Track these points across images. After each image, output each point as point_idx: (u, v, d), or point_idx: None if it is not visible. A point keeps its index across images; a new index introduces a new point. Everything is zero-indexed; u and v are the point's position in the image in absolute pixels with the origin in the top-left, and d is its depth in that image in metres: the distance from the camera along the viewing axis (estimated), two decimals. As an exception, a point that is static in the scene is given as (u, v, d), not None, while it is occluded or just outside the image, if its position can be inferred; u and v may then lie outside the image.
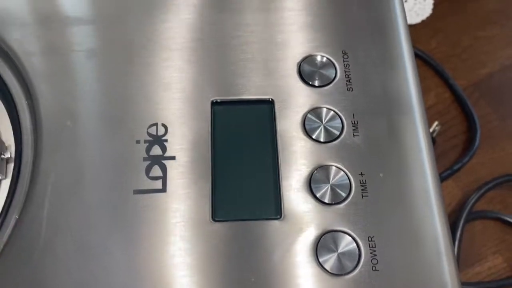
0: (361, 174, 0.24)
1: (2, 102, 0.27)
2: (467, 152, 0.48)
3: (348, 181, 0.23)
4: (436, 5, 0.55)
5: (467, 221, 0.45)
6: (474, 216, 0.46)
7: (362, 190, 0.23)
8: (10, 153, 0.26)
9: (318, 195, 0.23)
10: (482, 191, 0.46)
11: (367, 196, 0.23)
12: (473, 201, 0.46)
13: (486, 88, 0.51)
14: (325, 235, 0.22)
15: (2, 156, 0.26)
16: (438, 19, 0.55)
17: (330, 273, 0.22)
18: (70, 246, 0.22)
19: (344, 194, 0.23)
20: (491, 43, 0.54)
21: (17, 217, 0.23)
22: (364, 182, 0.23)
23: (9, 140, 0.27)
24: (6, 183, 0.26)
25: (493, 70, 0.52)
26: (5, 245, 0.23)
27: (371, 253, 0.22)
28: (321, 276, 0.22)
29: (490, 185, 0.46)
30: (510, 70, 0.52)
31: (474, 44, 0.53)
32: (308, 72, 0.26)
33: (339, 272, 0.22)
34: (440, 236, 0.23)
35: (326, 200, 0.23)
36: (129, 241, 0.22)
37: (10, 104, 0.27)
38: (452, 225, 0.44)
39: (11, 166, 0.26)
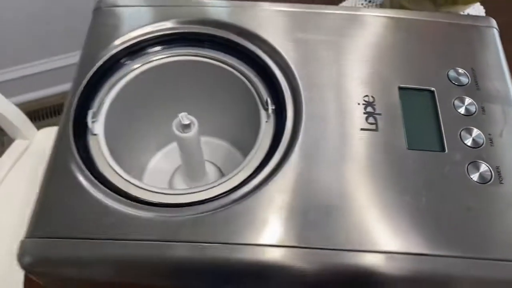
0: (489, 133, 0.41)
1: (263, 78, 0.45)
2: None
3: (483, 139, 0.40)
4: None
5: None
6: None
7: (490, 143, 0.40)
8: (272, 106, 0.43)
9: (465, 142, 0.40)
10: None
11: (494, 146, 0.40)
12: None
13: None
14: (471, 163, 0.39)
15: (268, 107, 0.43)
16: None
17: (476, 182, 0.38)
18: (322, 169, 0.39)
19: (481, 142, 0.40)
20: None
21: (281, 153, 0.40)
22: (492, 140, 0.40)
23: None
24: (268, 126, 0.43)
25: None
26: (267, 178, 0.39)
27: (498, 173, 0.39)
28: (470, 184, 0.38)
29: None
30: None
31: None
32: (453, 77, 0.44)
33: (481, 182, 0.38)
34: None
35: (471, 145, 0.40)
36: (353, 159, 0.39)
37: (268, 75, 0.44)
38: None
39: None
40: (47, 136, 1.02)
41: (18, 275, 0.67)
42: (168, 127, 0.55)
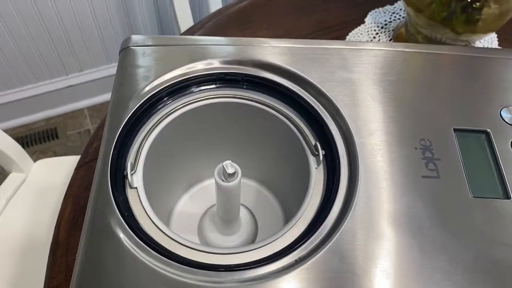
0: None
1: (309, 122, 0.43)
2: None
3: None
4: None
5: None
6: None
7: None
8: (322, 151, 0.41)
9: (528, 187, 0.38)
10: None
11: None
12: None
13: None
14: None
15: (316, 153, 0.40)
16: None
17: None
18: (384, 223, 0.37)
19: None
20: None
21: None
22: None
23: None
24: (319, 173, 0.40)
25: None
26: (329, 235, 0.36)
27: None
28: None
29: None
30: None
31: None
32: (506, 116, 0.42)
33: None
34: None
35: (535, 190, 0.38)
36: (419, 210, 0.37)
37: (314, 117, 0.42)
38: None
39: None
40: (44, 168, 0.97)
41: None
42: (196, 169, 0.53)
